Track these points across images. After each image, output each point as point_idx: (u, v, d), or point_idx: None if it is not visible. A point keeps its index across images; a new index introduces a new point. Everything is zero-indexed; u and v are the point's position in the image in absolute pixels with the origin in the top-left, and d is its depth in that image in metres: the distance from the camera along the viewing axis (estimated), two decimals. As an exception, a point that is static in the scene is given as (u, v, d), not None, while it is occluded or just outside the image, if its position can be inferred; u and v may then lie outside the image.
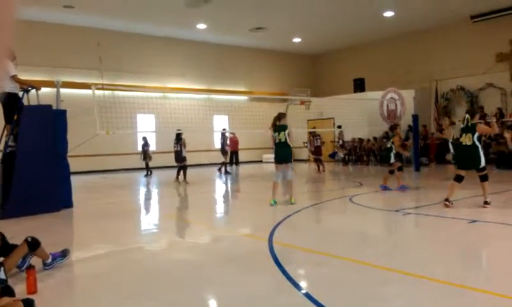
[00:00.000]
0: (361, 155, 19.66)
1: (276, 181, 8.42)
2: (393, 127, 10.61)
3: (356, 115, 18.72)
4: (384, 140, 9.78)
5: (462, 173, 7.42)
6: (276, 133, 8.27)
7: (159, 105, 17.78)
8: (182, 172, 13.52)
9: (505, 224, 6.08)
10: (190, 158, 19.64)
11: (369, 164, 18.84)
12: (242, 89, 22.74)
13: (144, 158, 16.31)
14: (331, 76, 24.87)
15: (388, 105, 18.56)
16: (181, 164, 13.52)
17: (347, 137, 20.41)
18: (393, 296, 3.62)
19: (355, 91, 21.11)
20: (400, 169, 10.11)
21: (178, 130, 13.96)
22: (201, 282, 4.04)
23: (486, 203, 7.23)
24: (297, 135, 21.80)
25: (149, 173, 16.40)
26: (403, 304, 3.48)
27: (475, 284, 3.69)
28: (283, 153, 8.30)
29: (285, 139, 8.20)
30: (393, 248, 5.28)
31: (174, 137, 14.02)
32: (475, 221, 6.31)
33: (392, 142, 10.11)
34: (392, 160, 9.97)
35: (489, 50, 18.06)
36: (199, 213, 8.34)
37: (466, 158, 7.42)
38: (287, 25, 19.37)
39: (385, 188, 9.83)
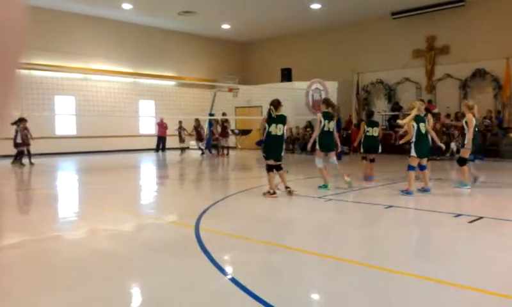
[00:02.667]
0: (287, 143, 20.11)
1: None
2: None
3: (283, 104, 19.05)
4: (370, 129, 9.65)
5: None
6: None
7: (79, 87, 16.88)
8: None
9: (419, 209, 6.55)
10: (115, 144, 18.97)
11: (294, 152, 19.33)
12: (170, 74, 22.24)
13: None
14: (260, 65, 25.09)
15: (313, 95, 19.13)
16: None
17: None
18: (315, 278, 3.76)
19: (282, 81, 21.47)
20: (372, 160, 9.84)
21: None
22: (124, 272, 3.92)
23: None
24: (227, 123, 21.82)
25: None
26: (327, 286, 3.62)
27: (390, 265, 3.93)
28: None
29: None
30: (315, 233, 5.48)
31: (95, 120, 13.42)
32: (390, 206, 6.72)
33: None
34: (379, 149, 9.80)
35: (407, 46, 19.19)
36: (122, 201, 8.06)
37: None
38: (216, 11, 19.17)
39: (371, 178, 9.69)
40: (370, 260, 4.09)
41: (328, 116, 8.32)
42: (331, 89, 18.96)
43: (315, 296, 3.49)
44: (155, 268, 4.01)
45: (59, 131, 18.19)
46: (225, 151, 17.74)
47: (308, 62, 22.18)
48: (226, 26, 21.94)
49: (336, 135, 8.61)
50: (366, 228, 5.71)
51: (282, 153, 7.71)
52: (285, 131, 7.62)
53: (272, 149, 7.62)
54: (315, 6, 18.44)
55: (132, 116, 19.73)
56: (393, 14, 19.07)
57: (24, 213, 7.07)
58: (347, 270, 3.91)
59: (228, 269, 3.93)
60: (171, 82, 21.54)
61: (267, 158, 7.67)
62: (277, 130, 7.52)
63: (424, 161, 7.96)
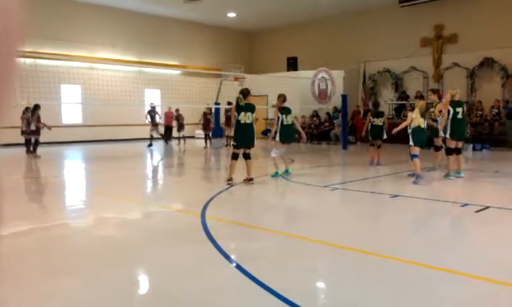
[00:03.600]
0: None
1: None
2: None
3: (289, 93, 18.98)
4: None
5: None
6: (284, 116, 8.54)
7: (85, 75, 16.89)
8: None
9: (422, 198, 6.53)
10: (120, 132, 18.98)
11: (300, 142, 19.28)
12: (175, 62, 22.18)
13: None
14: (265, 54, 24.97)
15: (319, 85, 19.03)
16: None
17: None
18: (324, 267, 3.77)
19: (288, 70, 21.36)
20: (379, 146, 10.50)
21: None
22: (130, 259, 3.95)
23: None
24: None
25: None
26: (333, 274, 3.64)
27: (396, 254, 3.93)
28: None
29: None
30: (321, 221, 5.48)
31: (101, 109, 13.43)
32: (396, 196, 6.71)
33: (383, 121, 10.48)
34: (385, 136, 10.39)
35: (414, 34, 18.99)
36: (129, 189, 8.10)
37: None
38: (221, -1, 19.08)
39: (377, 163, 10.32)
40: (377, 249, 4.08)
41: (285, 111, 8.68)
42: (338, 79, 18.85)
43: (322, 284, 3.50)
44: (162, 255, 4.03)
45: (65, 120, 18.24)
46: (230, 142, 17.46)
47: (314, 51, 22.03)
48: (231, 14, 21.82)
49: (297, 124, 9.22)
50: (373, 217, 5.71)
51: (254, 141, 7.91)
52: (253, 119, 7.83)
53: (242, 137, 7.81)
54: (322, -6, 18.28)
55: (137, 105, 19.74)
56: (400, 2, 18.85)
57: (31, 201, 7.12)
58: (353, 258, 3.92)
59: (234, 257, 3.95)
60: (177, 71, 21.51)
61: (236, 146, 7.89)
62: (246, 118, 7.71)
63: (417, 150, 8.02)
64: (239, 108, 7.74)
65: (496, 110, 15.86)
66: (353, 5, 19.67)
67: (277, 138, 8.65)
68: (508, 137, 14.81)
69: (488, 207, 5.78)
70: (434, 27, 18.63)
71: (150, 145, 16.37)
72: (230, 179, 7.78)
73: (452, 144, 8.22)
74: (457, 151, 8.33)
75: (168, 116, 17.96)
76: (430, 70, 18.86)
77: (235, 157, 7.81)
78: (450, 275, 3.41)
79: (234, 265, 3.71)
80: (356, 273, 3.56)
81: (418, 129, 7.95)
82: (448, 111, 8.15)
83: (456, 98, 8.21)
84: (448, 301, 3.02)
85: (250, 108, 7.79)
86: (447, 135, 8.18)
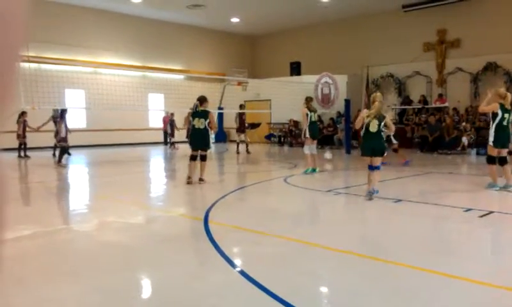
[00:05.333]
0: (296, 136, 20.03)
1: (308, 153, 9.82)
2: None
3: (292, 98, 19.04)
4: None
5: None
6: (312, 113, 9.80)
7: (89, 80, 16.95)
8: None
9: (426, 203, 6.51)
10: (124, 137, 19.05)
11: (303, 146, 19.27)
12: (179, 67, 22.26)
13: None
14: (269, 58, 25.02)
15: (322, 89, 19.03)
16: None
17: (283, 118, 20.65)
18: (327, 272, 3.76)
19: (291, 74, 21.39)
20: (395, 150, 11.19)
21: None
22: (133, 263, 3.95)
23: None
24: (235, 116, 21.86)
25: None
26: (335, 279, 3.63)
27: (400, 259, 3.92)
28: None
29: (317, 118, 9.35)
30: (325, 226, 5.48)
31: (105, 114, 13.40)
32: (400, 200, 6.69)
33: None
34: (394, 141, 10.87)
35: (417, 39, 18.99)
36: (132, 194, 8.12)
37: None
38: (225, 4, 19.12)
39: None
40: (379, 254, 4.07)
41: (312, 109, 9.90)
42: (341, 83, 18.85)
43: (325, 289, 3.49)
44: (164, 260, 4.03)
45: (69, 124, 18.28)
46: (239, 149, 15.85)
47: (318, 55, 22.06)
48: (235, 19, 21.88)
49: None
50: (376, 222, 5.70)
51: (209, 144, 8.57)
52: (206, 124, 8.31)
53: (194, 140, 8.50)
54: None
55: (141, 110, 19.79)
56: (404, 7, 18.87)
57: (34, 206, 7.14)
58: (356, 263, 3.90)
59: (237, 262, 3.95)
60: (180, 76, 21.57)
61: (191, 149, 8.48)
62: (199, 123, 8.31)
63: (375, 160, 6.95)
64: (194, 114, 8.37)
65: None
66: (356, 10, 19.70)
67: (307, 134, 9.79)
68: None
69: (491, 212, 5.76)
70: (437, 32, 18.63)
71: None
72: (188, 178, 8.33)
73: (495, 152, 7.45)
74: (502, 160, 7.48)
75: (166, 121, 18.04)
76: (434, 74, 18.84)
77: (192, 158, 8.41)
78: (452, 281, 3.40)
79: (237, 269, 3.71)
80: (359, 278, 3.55)
81: (365, 134, 6.87)
82: (495, 115, 7.34)
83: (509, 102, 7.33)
84: (452, 307, 3.01)
85: (203, 114, 8.33)
86: (490, 143, 7.45)
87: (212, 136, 18.54)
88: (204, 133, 8.35)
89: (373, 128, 6.77)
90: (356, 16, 20.51)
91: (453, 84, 18.29)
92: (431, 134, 15.67)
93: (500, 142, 7.37)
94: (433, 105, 17.63)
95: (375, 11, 19.68)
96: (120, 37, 20.15)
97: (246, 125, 16.11)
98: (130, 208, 6.62)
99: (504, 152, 7.46)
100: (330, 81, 18.79)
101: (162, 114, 19.64)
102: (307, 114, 9.79)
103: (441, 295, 3.16)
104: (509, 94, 7.37)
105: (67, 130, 12.32)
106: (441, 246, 4.53)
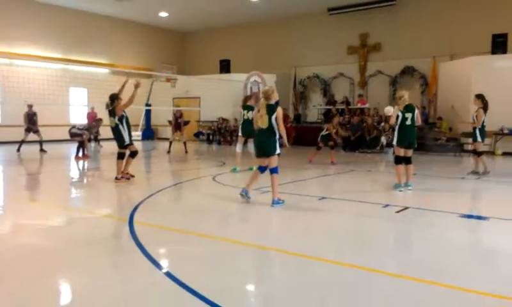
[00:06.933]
0: (225, 134, 20.09)
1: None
2: (330, 116, 12.05)
3: (221, 96, 19.08)
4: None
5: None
6: (245, 111, 9.76)
7: (4, 72, 15.80)
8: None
9: (347, 200, 6.82)
10: (44, 133, 18.01)
11: (232, 144, 19.37)
12: (104, 61, 21.40)
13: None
14: (198, 55, 24.82)
15: (251, 88, 19.25)
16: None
17: (212, 116, 20.59)
18: (253, 270, 3.82)
19: (221, 72, 21.42)
20: (332, 147, 11.97)
21: None
22: (52, 268, 3.75)
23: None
24: (164, 113, 21.47)
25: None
26: (262, 277, 3.69)
27: (322, 255, 4.08)
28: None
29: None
30: (252, 225, 5.55)
31: (22, 109, 12.55)
32: (324, 198, 6.95)
33: (327, 129, 11.78)
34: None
35: (342, 42, 19.83)
36: (51, 194, 7.68)
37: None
38: (153, -2, 18.70)
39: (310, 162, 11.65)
40: (304, 250, 4.21)
41: (247, 107, 9.85)
42: (269, 82, 19.15)
43: (251, 288, 3.54)
44: (86, 263, 3.87)
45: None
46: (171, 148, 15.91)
47: (247, 54, 22.26)
48: (164, 14, 21.45)
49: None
50: (300, 219, 5.86)
51: (120, 141, 8.35)
52: (116, 122, 8.28)
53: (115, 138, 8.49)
54: (254, -1, 18.51)
55: (62, 105, 18.78)
56: (329, 10, 19.59)
57: None
58: (283, 260, 4.00)
59: (163, 263, 3.89)
60: (105, 70, 20.75)
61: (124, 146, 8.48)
62: (110, 122, 8.39)
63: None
64: (108, 113, 8.43)
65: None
66: (285, 11, 20.13)
67: (239, 132, 10.03)
68: (426, 141, 15.88)
69: (407, 208, 6.16)
70: (360, 36, 19.56)
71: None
72: (120, 177, 8.31)
73: (401, 152, 7.83)
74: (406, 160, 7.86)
75: (90, 116, 17.31)
76: (356, 76, 19.78)
77: (120, 156, 8.38)
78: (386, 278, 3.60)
79: (163, 271, 3.65)
80: (285, 274, 3.64)
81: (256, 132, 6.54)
82: (397, 116, 7.78)
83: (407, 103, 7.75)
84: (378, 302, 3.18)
85: (112, 113, 8.31)
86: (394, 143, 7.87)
87: (138, 133, 18.04)
88: (116, 130, 8.32)
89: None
90: (285, 17, 20.96)
91: (374, 86, 19.33)
92: (353, 134, 16.44)
93: (403, 142, 7.76)
94: (355, 106, 18.51)
95: (303, 13, 20.24)
96: (39, 27, 18.99)
97: (181, 122, 15.35)
98: (48, 209, 6.26)
99: (410, 152, 7.88)
100: (259, 80, 19.06)
101: (86, 110, 18.78)
102: (241, 112, 10.01)
103: (361, 287, 3.34)
104: (405, 95, 7.79)
105: None
106: (360, 241, 4.77)
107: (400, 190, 7.57)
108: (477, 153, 9.76)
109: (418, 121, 7.80)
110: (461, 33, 17.06)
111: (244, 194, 6.44)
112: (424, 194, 7.68)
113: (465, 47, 16.69)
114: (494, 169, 9.73)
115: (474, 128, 9.69)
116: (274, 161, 6.35)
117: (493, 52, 15.47)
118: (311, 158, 11.82)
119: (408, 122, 7.67)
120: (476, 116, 9.57)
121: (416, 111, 7.80)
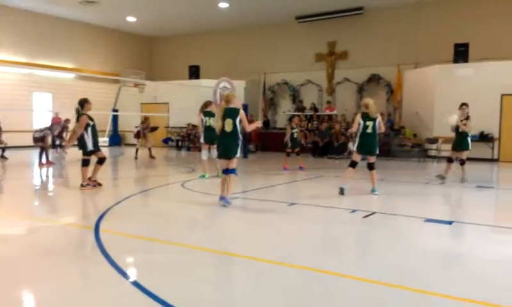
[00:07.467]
0: (195, 140, 19.91)
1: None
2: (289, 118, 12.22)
3: (190, 102, 18.93)
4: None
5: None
6: (207, 118, 9.71)
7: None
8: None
9: (318, 206, 6.88)
10: (6, 140, 17.37)
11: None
12: (69, 65, 20.91)
13: None
14: (167, 61, 24.59)
15: (221, 94, 19.18)
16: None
17: (181, 122, 20.43)
18: (222, 278, 3.78)
19: (190, 78, 21.29)
20: (298, 153, 12.12)
21: None
22: (13, 279, 3.61)
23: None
24: (131, 118, 21.11)
25: None
26: (230, 285, 3.66)
27: (291, 260, 4.09)
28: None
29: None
30: (221, 232, 5.51)
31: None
32: (294, 204, 6.98)
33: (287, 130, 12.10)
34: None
35: (310, 49, 20.09)
36: (12, 202, 7.42)
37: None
38: (119, 2, 18.40)
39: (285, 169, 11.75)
40: (272, 257, 4.21)
41: (209, 114, 9.81)
42: (239, 89, 19.18)
43: (220, 296, 3.51)
44: (50, 273, 3.75)
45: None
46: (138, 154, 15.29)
47: (217, 60, 22.23)
48: (131, 19, 21.16)
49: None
50: (269, 225, 5.86)
51: (82, 147, 8.16)
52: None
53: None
54: (223, 5, 18.51)
55: (25, 110, 18.18)
56: (297, 18, 19.82)
57: None
58: (251, 267, 3.99)
59: (130, 272, 3.81)
60: (71, 75, 20.27)
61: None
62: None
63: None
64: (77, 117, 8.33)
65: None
66: (254, 18, 20.22)
67: (201, 140, 9.91)
68: (391, 147, 16.24)
69: (374, 213, 6.26)
70: (327, 44, 19.87)
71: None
72: (86, 185, 8.15)
73: (358, 158, 8.02)
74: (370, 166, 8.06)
75: (55, 121, 16.82)
76: (324, 83, 20.06)
77: (85, 163, 8.23)
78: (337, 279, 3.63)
79: (130, 280, 3.58)
80: (254, 281, 3.63)
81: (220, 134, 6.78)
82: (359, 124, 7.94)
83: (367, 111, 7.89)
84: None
85: (78, 120, 8.24)
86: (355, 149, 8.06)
87: (105, 139, 17.64)
88: (81, 137, 8.10)
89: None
90: (254, 24, 21.07)
91: (341, 93, 19.66)
92: (321, 140, 16.65)
93: (364, 149, 7.97)
94: (323, 113, 18.77)
95: (272, 20, 20.39)
96: (3, 31, 18.37)
97: (147, 128, 15.23)
98: (9, 218, 6.04)
99: (372, 159, 8.07)
100: (228, 86, 19.00)
101: (50, 115, 18.27)
102: (202, 119, 9.78)
103: (329, 292, 3.36)
104: (370, 102, 7.96)
105: None
106: (329, 246, 4.82)
107: (342, 189, 7.79)
108: (463, 161, 9.66)
109: (382, 128, 8.01)
110: (424, 42, 17.59)
111: (225, 202, 6.60)
112: (390, 199, 7.85)
113: (429, 55, 17.22)
114: (457, 175, 10.01)
115: (465, 136, 9.45)
116: (234, 163, 6.71)
117: (455, 60, 16.02)
118: (286, 166, 11.81)
119: (369, 130, 7.86)
120: (465, 124, 9.36)
121: (379, 119, 7.97)
